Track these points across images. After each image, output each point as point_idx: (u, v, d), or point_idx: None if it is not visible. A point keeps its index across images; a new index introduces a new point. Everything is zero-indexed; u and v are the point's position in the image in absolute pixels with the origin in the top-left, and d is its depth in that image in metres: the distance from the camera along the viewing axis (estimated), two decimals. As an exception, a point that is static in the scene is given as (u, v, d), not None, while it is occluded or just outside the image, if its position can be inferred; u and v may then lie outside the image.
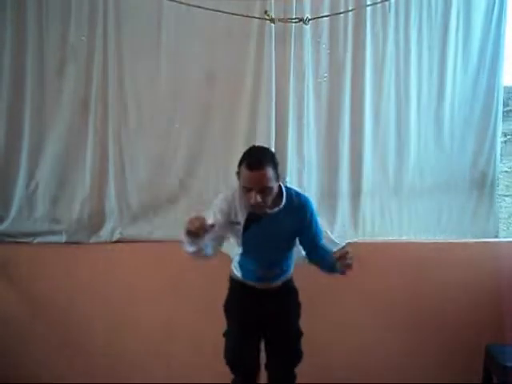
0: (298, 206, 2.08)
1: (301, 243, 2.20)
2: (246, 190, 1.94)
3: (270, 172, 1.93)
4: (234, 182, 2.09)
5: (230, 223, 2.08)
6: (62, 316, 2.77)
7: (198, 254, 1.95)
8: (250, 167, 1.92)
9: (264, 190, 1.93)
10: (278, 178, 2.00)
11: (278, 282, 2.24)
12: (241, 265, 2.26)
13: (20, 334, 2.76)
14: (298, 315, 2.30)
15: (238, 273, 2.28)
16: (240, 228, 2.06)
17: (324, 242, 2.20)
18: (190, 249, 1.91)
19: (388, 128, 2.81)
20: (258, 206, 1.95)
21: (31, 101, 2.72)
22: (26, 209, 2.74)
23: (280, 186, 2.06)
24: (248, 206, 1.99)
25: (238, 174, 2.00)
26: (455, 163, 2.85)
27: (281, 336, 2.25)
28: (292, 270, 2.31)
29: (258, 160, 1.93)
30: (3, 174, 2.74)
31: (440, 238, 2.83)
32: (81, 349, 2.79)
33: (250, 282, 2.23)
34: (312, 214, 2.12)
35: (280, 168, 2.07)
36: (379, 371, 2.78)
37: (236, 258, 2.28)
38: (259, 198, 1.92)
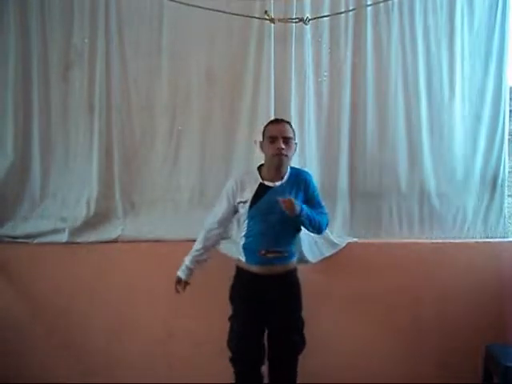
0: (299, 179, 2.36)
1: None
2: (272, 140, 2.29)
3: (290, 129, 2.35)
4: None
5: (236, 205, 2.33)
6: (62, 316, 2.77)
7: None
8: (276, 121, 2.38)
9: (286, 140, 2.29)
10: (295, 139, 2.36)
11: (280, 267, 2.29)
12: (245, 247, 2.32)
13: (20, 334, 2.76)
14: (300, 306, 2.35)
15: (242, 258, 2.34)
16: (246, 205, 2.29)
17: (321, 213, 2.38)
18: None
19: (396, 128, 2.79)
20: (280, 154, 2.26)
21: (38, 104, 2.75)
22: (37, 208, 2.77)
23: None
24: (271, 156, 2.29)
25: (261, 142, 2.37)
26: (469, 163, 2.83)
27: (283, 325, 2.29)
28: (295, 259, 2.36)
29: (280, 119, 2.40)
30: (14, 176, 2.75)
31: (454, 240, 2.81)
32: (81, 349, 2.79)
33: (254, 268, 2.28)
34: (313, 187, 2.40)
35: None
36: (379, 371, 2.77)
37: (240, 243, 2.35)
38: (283, 145, 2.26)
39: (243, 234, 2.33)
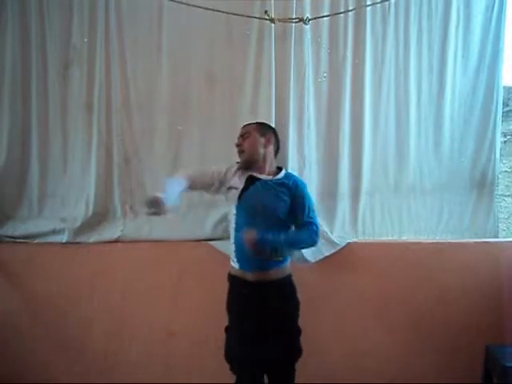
0: (292, 185, 2.31)
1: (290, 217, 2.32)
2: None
3: (252, 128, 2.36)
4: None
5: (225, 188, 2.36)
6: (61, 316, 2.77)
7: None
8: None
9: (244, 136, 2.34)
10: (263, 137, 2.35)
11: (275, 273, 2.25)
12: (237, 250, 2.27)
13: (20, 334, 2.76)
14: (297, 313, 2.32)
15: (235, 264, 2.29)
16: (236, 192, 2.28)
17: (308, 223, 2.29)
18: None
19: (388, 128, 2.81)
20: (238, 149, 2.34)
21: (37, 104, 2.74)
22: (35, 208, 2.77)
23: (280, 167, 2.41)
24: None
25: None
26: (455, 163, 2.85)
27: (280, 334, 2.25)
28: (288, 263, 2.33)
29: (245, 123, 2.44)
30: (12, 176, 2.75)
31: (440, 238, 2.83)
32: (80, 349, 2.79)
33: (247, 274, 2.25)
34: (303, 195, 2.32)
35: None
36: (379, 371, 2.77)
37: (231, 247, 2.32)
38: (240, 141, 2.34)
39: (232, 230, 2.30)
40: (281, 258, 2.26)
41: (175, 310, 2.77)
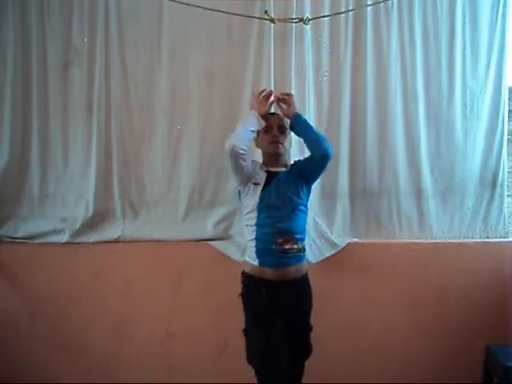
0: (293, 168, 2.37)
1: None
2: (266, 130, 2.31)
3: (284, 119, 2.35)
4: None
5: (252, 183, 2.30)
6: (61, 316, 2.77)
7: (251, 134, 2.28)
8: (271, 113, 2.37)
9: (281, 128, 2.32)
10: (288, 134, 2.37)
11: (295, 269, 2.24)
12: (256, 246, 2.24)
13: (19, 334, 2.76)
14: (310, 310, 2.34)
15: (254, 262, 2.24)
16: (259, 187, 2.27)
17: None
18: (252, 127, 2.27)
19: (395, 127, 2.78)
20: (275, 142, 2.30)
21: (37, 104, 2.74)
22: (36, 208, 2.77)
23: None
24: (267, 145, 2.32)
25: (256, 139, 2.37)
26: (468, 163, 2.83)
27: (294, 331, 2.26)
28: (305, 260, 2.33)
29: (274, 111, 2.41)
30: (12, 176, 2.75)
31: (454, 240, 2.81)
32: (80, 349, 2.79)
33: (267, 271, 2.21)
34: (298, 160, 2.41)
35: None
36: (380, 371, 2.77)
37: (251, 244, 2.27)
38: (277, 132, 2.30)
39: (253, 226, 2.24)
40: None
41: (175, 310, 2.77)
